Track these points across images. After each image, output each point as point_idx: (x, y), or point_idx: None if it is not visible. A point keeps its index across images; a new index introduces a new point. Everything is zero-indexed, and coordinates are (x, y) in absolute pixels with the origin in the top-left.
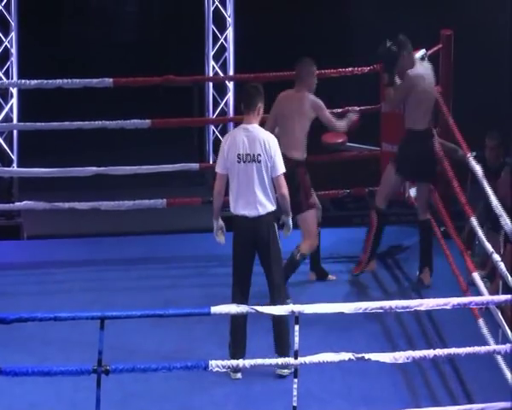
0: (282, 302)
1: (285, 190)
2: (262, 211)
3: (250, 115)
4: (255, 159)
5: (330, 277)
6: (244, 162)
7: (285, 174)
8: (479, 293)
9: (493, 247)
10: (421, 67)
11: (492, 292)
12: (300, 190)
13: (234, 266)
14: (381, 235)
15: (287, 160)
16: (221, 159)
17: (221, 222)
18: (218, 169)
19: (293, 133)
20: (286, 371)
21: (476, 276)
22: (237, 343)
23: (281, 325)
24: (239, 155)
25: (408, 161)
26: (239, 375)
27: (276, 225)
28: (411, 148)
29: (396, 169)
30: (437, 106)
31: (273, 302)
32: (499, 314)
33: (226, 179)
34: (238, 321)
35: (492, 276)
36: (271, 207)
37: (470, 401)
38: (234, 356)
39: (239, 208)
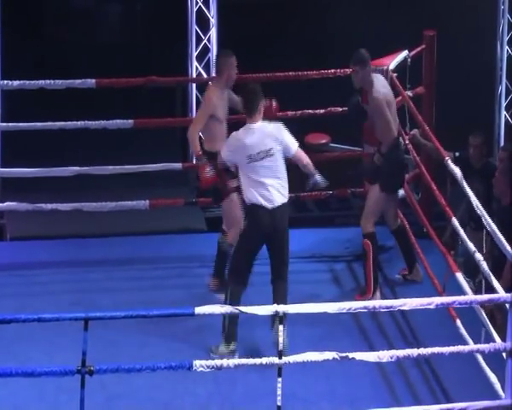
0: (286, 280)
1: (307, 159)
2: (279, 202)
3: (255, 116)
4: (268, 154)
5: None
6: (258, 161)
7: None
8: (462, 294)
9: (478, 246)
10: (377, 80)
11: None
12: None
13: (242, 249)
14: (378, 259)
15: (207, 152)
16: (229, 153)
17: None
18: (224, 158)
19: (208, 125)
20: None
21: (460, 277)
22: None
23: (279, 282)
24: (251, 155)
25: (393, 172)
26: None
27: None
28: (393, 157)
29: (382, 188)
30: (412, 113)
31: (280, 277)
32: (483, 314)
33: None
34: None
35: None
36: (284, 199)
37: (452, 401)
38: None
39: (255, 199)
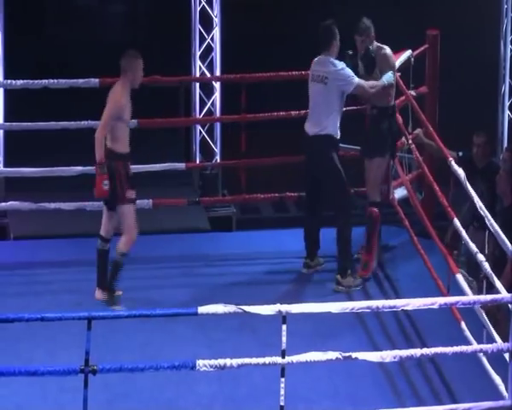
0: (345, 224)
1: (370, 89)
2: (319, 131)
3: (326, 49)
4: (321, 80)
5: (117, 292)
6: (313, 82)
7: (107, 166)
8: (462, 294)
9: (480, 246)
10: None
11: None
12: (117, 184)
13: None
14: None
15: (110, 152)
16: None
17: None
18: None
19: (112, 126)
20: (341, 288)
21: (460, 277)
22: None
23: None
24: (313, 75)
25: (387, 137)
26: None
27: (334, 153)
28: (383, 125)
29: (372, 154)
30: (415, 112)
31: (336, 222)
32: (483, 315)
33: None
34: None
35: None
36: (327, 131)
37: (455, 401)
38: None
39: (306, 125)
